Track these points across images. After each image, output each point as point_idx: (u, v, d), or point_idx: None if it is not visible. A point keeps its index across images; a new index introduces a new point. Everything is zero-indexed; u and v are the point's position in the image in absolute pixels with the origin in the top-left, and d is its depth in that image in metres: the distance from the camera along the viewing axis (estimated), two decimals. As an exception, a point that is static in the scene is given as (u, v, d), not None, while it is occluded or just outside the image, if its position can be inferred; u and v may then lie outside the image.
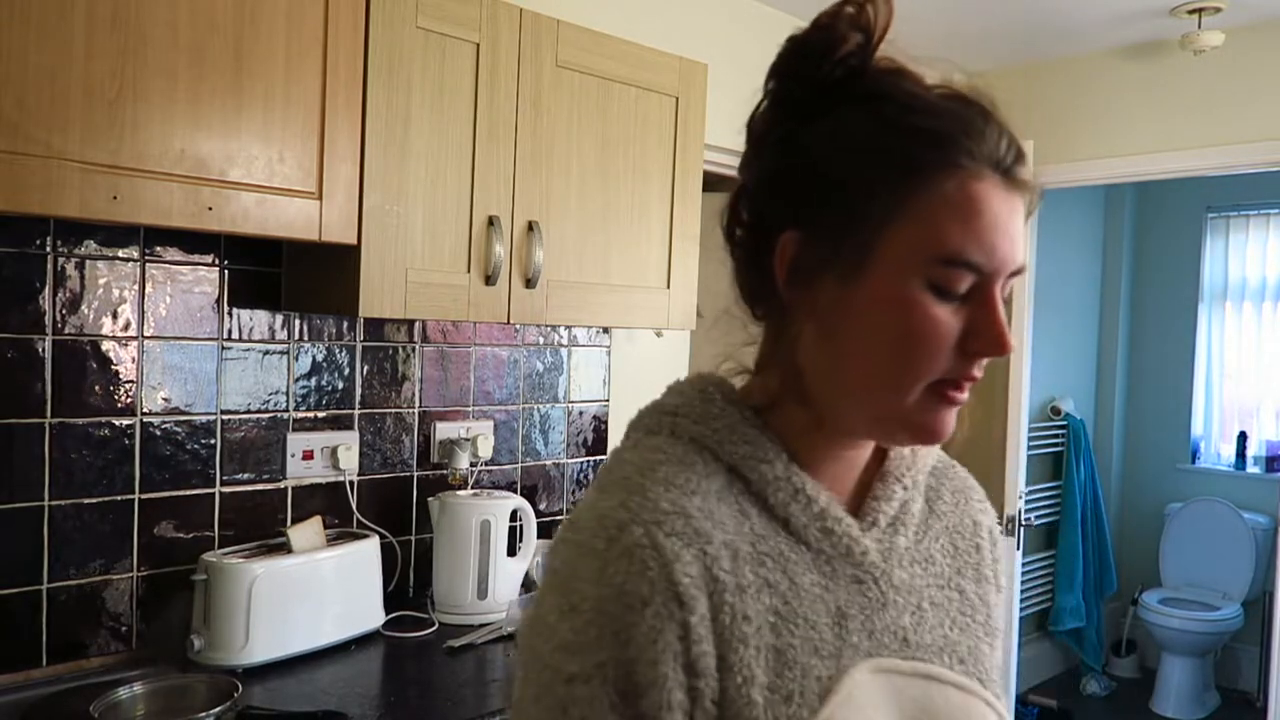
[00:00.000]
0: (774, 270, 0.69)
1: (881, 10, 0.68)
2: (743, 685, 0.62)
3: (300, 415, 2.01)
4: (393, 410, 2.16)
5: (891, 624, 0.70)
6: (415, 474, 2.21)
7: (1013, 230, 0.66)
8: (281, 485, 1.99)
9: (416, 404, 2.20)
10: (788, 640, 0.65)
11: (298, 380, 2.00)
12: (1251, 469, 4.62)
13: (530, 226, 1.95)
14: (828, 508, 0.70)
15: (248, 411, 1.93)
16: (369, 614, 1.93)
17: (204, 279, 1.86)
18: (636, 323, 2.22)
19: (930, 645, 0.72)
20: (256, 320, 1.93)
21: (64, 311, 1.69)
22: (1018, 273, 0.68)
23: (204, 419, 1.87)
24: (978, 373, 0.67)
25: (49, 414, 1.67)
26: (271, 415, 1.96)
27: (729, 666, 0.62)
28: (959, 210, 0.64)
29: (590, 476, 2.56)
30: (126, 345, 1.76)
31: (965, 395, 0.68)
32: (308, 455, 2.01)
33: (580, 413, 2.54)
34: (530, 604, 0.67)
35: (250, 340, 1.93)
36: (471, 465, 2.24)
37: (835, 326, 0.68)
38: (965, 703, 0.71)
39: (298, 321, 2.00)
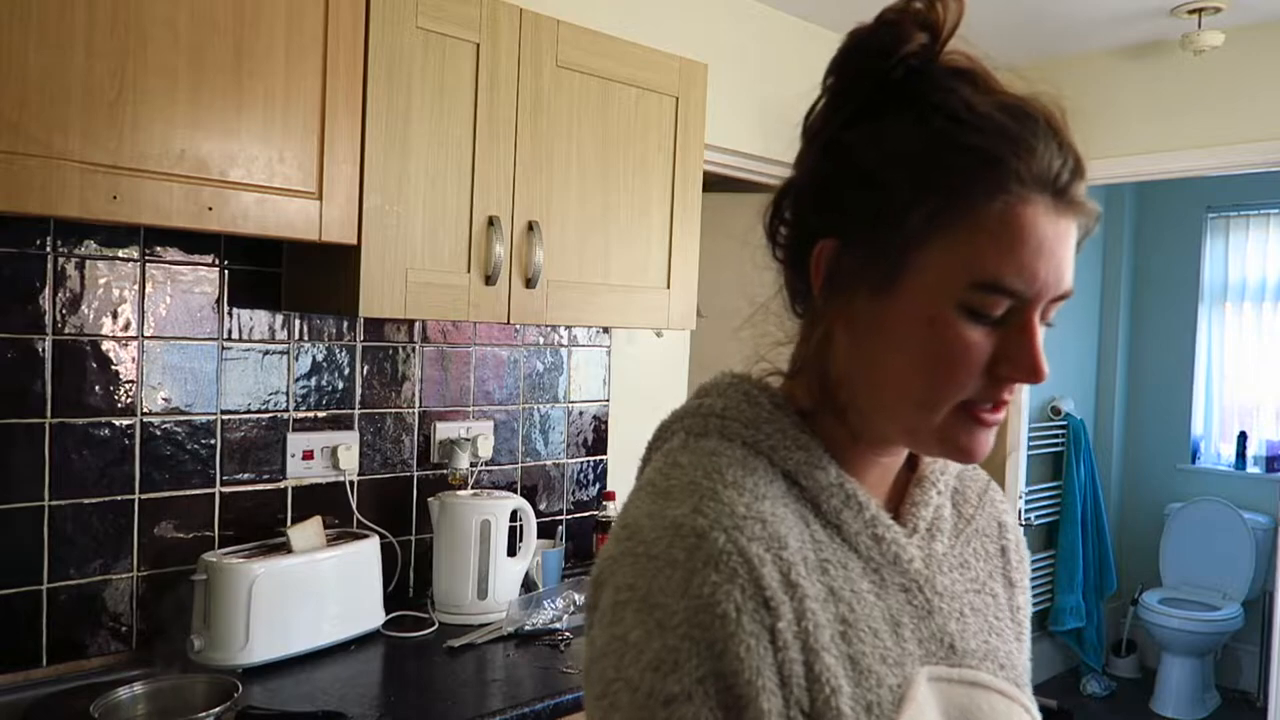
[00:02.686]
0: (810, 274, 0.68)
1: (951, 9, 0.64)
2: (831, 696, 0.60)
3: (300, 415, 2.01)
4: (393, 410, 2.16)
5: (938, 631, 0.69)
6: (415, 474, 2.21)
7: (1059, 254, 0.62)
8: (281, 485, 1.98)
9: (416, 404, 2.20)
10: (859, 649, 0.63)
11: (298, 380, 2.00)
12: (1251, 469, 4.61)
13: (530, 226, 1.95)
14: (878, 515, 0.69)
15: (248, 411, 1.93)
16: (369, 614, 1.93)
17: (204, 279, 1.86)
18: (636, 323, 2.22)
19: (975, 651, 0.71)
20: (256, 320, 1.93)
21: (64, 311, 1.69)
22: (1063, 297, 0.64)
23: (204, 419, 1.87)
24: (1008, 396, 0.65)
25: (49, 414, 1.67)
26: (271, 415, 1.96)
27: (815, 676, 0.60)
28: (1000, 236, 0.61)
29: (590, 477, 2.56)
30: (126, 345, 1.76)
31: (999, 416, 0.66)
32: (308, 455, 2.01)
33: (580, 413, 2.54)
34: (599, 626, 0.63)
35: (250, 340, 1.93)
36: (471, 465, 2.24)
37: (866, 339, 0.66)
38: (1008, 709, 0.71)
39: (298, 321, 2.00)
